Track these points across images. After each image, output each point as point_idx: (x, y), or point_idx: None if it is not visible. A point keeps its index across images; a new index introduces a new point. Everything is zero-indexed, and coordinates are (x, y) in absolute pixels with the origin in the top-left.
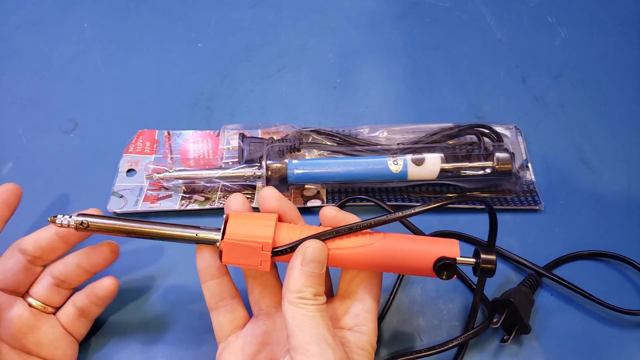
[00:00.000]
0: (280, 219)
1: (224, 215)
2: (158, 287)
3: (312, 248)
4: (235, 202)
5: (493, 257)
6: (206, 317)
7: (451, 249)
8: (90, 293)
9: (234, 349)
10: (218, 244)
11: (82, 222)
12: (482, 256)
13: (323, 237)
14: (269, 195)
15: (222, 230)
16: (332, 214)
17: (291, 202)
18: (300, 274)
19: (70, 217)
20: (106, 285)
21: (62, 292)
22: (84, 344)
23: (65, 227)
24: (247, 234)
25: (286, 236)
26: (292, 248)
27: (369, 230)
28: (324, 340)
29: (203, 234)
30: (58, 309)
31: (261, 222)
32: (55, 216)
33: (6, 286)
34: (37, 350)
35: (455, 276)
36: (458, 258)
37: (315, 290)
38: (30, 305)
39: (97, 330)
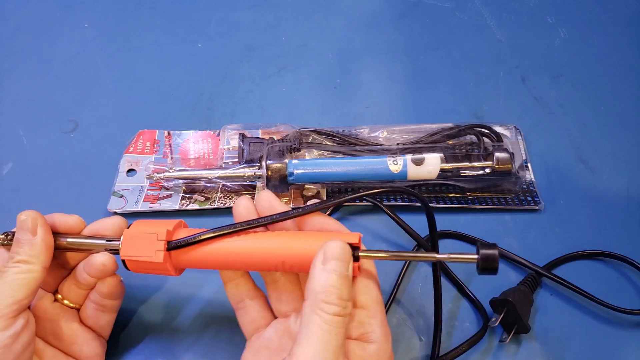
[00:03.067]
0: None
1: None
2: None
3: (332, 244)
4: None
5: (494, 252)
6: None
7: (349, 239)
8: (97, 290)
9: (251, 351)
10: (120, 239)
11: (7, 234)
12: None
13: (221, 231)
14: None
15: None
16: (244, 204)
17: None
18: (322, 272)
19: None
20: (106, 282)
21: (80, 292)
22: None
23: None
24: (147, 229)
25: (187, 234)
26: (188, 242)
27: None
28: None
29: (111, 239)
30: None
31: (164, 222)
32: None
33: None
34: (56, 343)
35: (357, 263)
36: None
37: (340, 293)
38: (56, 299)
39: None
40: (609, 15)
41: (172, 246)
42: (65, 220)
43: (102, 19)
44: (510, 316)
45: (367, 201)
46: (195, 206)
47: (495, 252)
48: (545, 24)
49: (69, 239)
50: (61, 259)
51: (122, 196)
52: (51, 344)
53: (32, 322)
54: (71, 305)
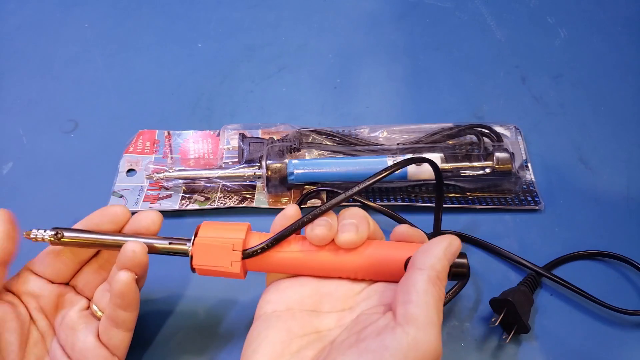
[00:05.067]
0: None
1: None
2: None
3: (457, 242)
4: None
5: (464, 261)
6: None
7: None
8: (110, 293)
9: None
10: (189, 247)
11: (57, 232)
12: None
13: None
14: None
15: (193, 237)
16: (404, 231)
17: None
18: (443, 255)
19: (45, 231)
20: (119, 278)
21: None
22: None
23: (40, 240)
24: (219, 235)
25: (258, 241)
26: (262, 248)
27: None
28: (438, 325)
29: (175, 243)
30: None
31: (233, 227)
32: (30, 230)
33: (82, 286)
34: (71, 354)
35: None
36: None
37: (446, 281)
38: (88, 307)
39: None
40: (609, 15)
41: (247, 255)
42: (113, 210)
43: (102, 19)
44: (510, 316)
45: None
46: (195, 206)
47: (465, 261)
48: (545, 24)
49: (112, 237)
50: (103, 262)
51: (122, 196)
52: (67, 354)
53: None
54: (99, 314)
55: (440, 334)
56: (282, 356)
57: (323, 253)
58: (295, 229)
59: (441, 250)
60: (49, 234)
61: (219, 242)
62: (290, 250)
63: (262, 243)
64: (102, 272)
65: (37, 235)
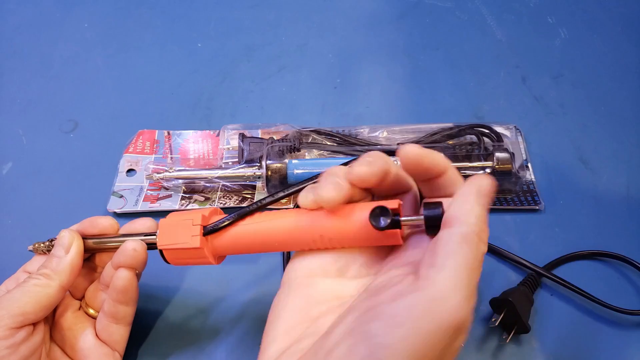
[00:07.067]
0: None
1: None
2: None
3: (486, 180)
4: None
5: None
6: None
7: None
8: (110, 290)
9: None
10: (156, 236)
11: (53, 241)
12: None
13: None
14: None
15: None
16: (415, 152)
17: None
18: (477, 204)
19: (44, 243)
20: (120, 275)
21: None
22: None
23: (41, 252)
24: (181, 217)
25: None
26: (224, 222)
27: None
28: (466, 290)
29: (147, 234)
30: None
31: (199, 209)
32: (33, 245)
33: (72, 288)
34: (72, 354)
35: (399, 230)
36: (403, 218)
37: (486, 234)
38: (81, 306)
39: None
40: (609, 15)
41: (209, 230)
42: (101, 222)
43: (102, 19)
44: (510, 316)
45: None
46: (195, 206)
47: (439, 211)
48: (545, 24)
49: (106, 239)
50: (92, 264)
51: (121, 196)
52: (67, 354)
53: (38, 337)
54: (94, 314)
55: (471, 303)
56: (302, 322)
57: (292, 217)
58: (261, 207)
59: (473, 198)
60: (47, 244)
61: (180, 221)
62: (255, 221)
63: (225, 217)
64: (91, 273)
65: (41, 247)
